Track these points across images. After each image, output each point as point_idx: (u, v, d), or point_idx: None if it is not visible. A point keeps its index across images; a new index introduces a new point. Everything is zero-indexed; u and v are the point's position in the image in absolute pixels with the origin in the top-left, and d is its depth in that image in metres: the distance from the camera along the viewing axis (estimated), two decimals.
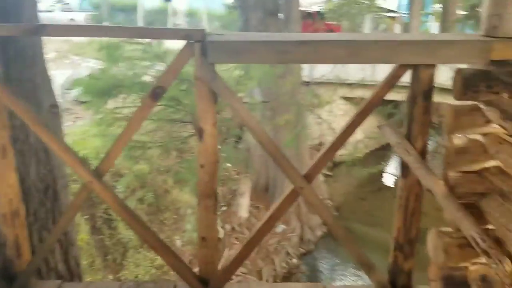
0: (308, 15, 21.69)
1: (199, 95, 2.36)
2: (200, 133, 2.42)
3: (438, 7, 27.24)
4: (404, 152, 2.45)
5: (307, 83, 14.75)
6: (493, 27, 2.24)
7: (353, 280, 11.06)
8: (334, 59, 2.25)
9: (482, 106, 2.30)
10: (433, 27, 28.71)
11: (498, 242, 2.19)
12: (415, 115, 2.43)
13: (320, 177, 14.60)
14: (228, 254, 10.67)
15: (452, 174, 2.38)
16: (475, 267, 2.51)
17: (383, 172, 17.11)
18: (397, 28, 26.39)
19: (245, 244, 2.69)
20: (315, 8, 24.06)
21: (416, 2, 24.45)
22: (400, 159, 2.57)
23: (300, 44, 2.22)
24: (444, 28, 23.03)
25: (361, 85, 14.06)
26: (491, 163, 2.35)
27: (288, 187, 2.57)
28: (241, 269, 11.01)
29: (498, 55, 2.22)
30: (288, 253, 12.76)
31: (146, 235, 2.65)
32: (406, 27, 27.20)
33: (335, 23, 21.97)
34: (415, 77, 2.38)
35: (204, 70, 2.29)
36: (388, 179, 16.95)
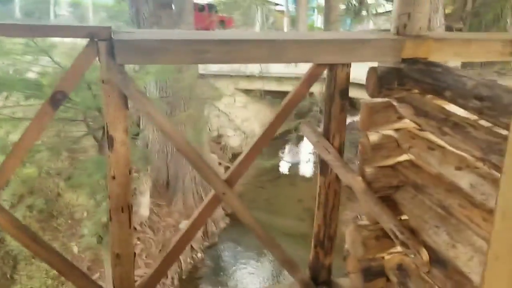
0: (200, 8, 21.43)
1: (107, 100, 2.12)
2: (110, 141, 2.18)
3: (322, 1, 28.63)
4: (323, 150, 2.46)
5: (204, 76, 14.60)
6: (403, 26, 2.32)
7: (254, 266, 11.24)
8: (255, 59, 2.16)
9: (394, 103, 2.37)
10: (319, 20, 30.16)
11: (413, 232, 2.29)
12: (333, 113, 2.45)
13: (221, 169, 14.62)
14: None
15: (368, 170, 2.44)
16: (391, 257, 2.61)
17: (281, 160, 17.62)
18: (286, 22, 27.22)
19: (164, 257, 2.51)
20: (206, 1, 23.89)
21: None
22: (318, 157, 2.58)
23: (220, 43, 2.09)
24: (327, 22, 24.27)
25: (260, 77, 14.25)
26: (403, 157, 2.45)
27: (210, 193, 2.44)
28: (145, 270, 10.63)
29: (408, 53, 2.31)
30: (192, 248, 12.60)
31: (36, 248, 2.32)
32: (294, 21, 28.21)
33: (227, 15, 22.03)
34: (331, 76, 2.39)
35: (112, 72, 2.06)
36: (285, 167, 17.48)
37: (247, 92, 15.98)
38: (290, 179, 16.21)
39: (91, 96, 6.63)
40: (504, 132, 1.73)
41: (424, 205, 2.28)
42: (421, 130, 2.28)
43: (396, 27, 2.37)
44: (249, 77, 15.12)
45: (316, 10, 31.33)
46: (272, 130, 2.42)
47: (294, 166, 17.33)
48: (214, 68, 15.12)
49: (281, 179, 16.33)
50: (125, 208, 2.31)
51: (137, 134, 12.30)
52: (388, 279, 2.60)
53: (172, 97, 10.99)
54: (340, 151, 2.50)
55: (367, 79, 2.35)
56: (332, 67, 2.36)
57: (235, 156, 16.36)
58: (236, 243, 12.97)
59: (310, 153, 17.26)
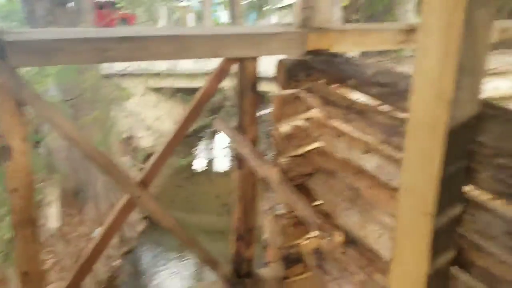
0: (101, 5, 20.47)
1: (0, 107, 1.94)
2: (7, 151, 2.01)
3: None
4: (238, 144, 2.47)
5: (109, 76, 14.01)
6: (307, 19, 2.39)
7: (176, 267, 11.10)
8: (161, 56, 2.09)
9: (303, 93, 2.45)
10: (223, 15, 30.25)
11: (327, 216, 2.39)
12: (245, 107, 2.47)
13: (134, 172, 14.17)
14: None
15: (282, 160, 2.49)
16: (307, 243, 2.70)
17: (196, 158, 17.50)
18: (191, 17, 26.96)
19: (78, 269, 2.37)
20: None
21: None
22: (234, 151, 2.59)
23: (123, 40, 2.01)
24: (232, 17, 24.46)
25: (170, 74, 13.97)
26: (314, 146, 2.54)
27: (124, 198, 2.35)
28: (59, 284, 10.04)
29: (312, 45, 2.39)
30: (109, 256, 12.10)
31: None
32: (199, 17, 28.00)
33: (129, 12, 21.30)
34: (241, 70, 2.40)
35: (4, 77, 1.89)
36: (201, 164, 17.40)
37: (157, 90, 15.61)
38: (207, 176, 16.17)
39: None
40: (403, 115, 1.86)
41: (335, 189, 2.39)
42: (329, 118, 2.38)
43: (299, 20, 2.44)
44: (158, 74, 14.78)
45: (220, 6, 31.41)
46: (185, 127, 2.39)
47: (210, 162, 17.31)
48: (120, 67, 14.56)
49: (198, 176, 16.23)
50: (30, 222, 2.15)
51: (39, 142, 11.53)
52: (306, 264, 2.70)
53: (75, 99, 10.42)
54: (255, 143, 2.53)
55: (276, 71, 2.40)
56: (241, 61, 2.37)
57: (148, 157, 15.96)
58: (156, 245, 12.69)
59: (225, 148, 17.33)
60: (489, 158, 1.41)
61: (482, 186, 1.45)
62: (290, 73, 2.33)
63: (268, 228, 2.68)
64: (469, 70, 1.34)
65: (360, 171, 2.21)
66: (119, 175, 2.25)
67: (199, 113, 2.39)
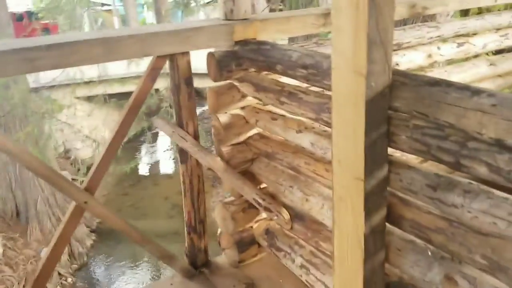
0: (19, 17, 19.52)
1: None
2: None
3: None
4: (180, 139, 2.54)
5: (37, 89, 13.47)
6: (230, 11, 2.49)
7: (131, 274, 10.96)
8: (91, 60, 2.10)
9: (236, 83, 2.56)
10: (149, 16, 29.72)
11: (272, 197, 2.52)
12: (182, 102, 2.53)
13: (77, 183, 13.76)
14: None
15: (224, 149, 2.59)
16: (258, 224, 2.83)
17: (139, 163, 17.21)
18: (116, 21, 26.30)
19: (33, 284, 2.35)
20: (22, 8, 21.81)
21: None
22: (177, 146, 2.65)
23: (52, 47, 2.01)
24: (159, 17, 24.12)
25: (100, 81, 13.61)
26: (253, 132, 2.66)
27: (71, 205, 2.35)
28: None
29: (239, 36, 2.49)
30: (60, 274, 11.72)
31: None
32: (124, 19, 27.34)
33: (50, 21, 20.44)
34: (173, 66, 2.46)
35: None
36: (145, 169, 17.14)
37: (89, 99, 15.16)
38: (152, 179, 15.98)
39: None
40: (329, 93, 2.01)
41: (277, 170, 2.52)
42: (263, 104, 2.50)
43: (224, 13, 2.53)
44: (88, 83, 14.35)
45: (145, 7, 30.83)
46: (123, 130, 2.42)
47: (154, 166, 17.10)
48: (47, 79, 14.03)
49: (143, 181, 16.00)
50: None
51: None
52: (259, 245, 2.82)
53: (4, 116, 9.97)
54: (196, 137, 2.61)
55: (207, 64, 2.48)
56: (172, 57, 2.44)
57: (89, 168, 15.48)
58: (108, 257, 12.44)
59: (167, 149, 17.17)
60: (405, 121, 1.58)
61: (402, 147, 1.62)
62: (221, 65, 2.43)
63: (218, 216, 2.78)
64: (379, 44, 1.50)
65: (297, 150, 2.36)
66: (63, 183, 2.25)
67: (135, 115, 2.43)
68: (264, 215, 2.79)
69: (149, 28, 2.40)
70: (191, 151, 2.54)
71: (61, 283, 11.66)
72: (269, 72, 2.41)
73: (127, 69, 13.09)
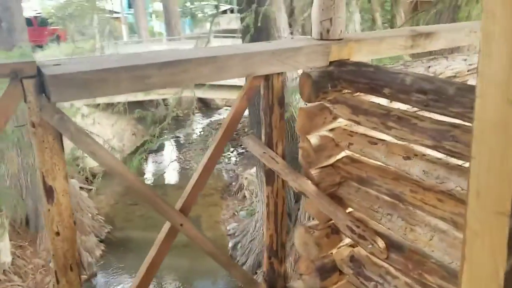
0: (28, 22, 19.52)
1: (40, 146, 1.81)
2: (49, 193, 1.87)
3: (158, 6, 28.39)
4: (270, 160, 2.46)
5: None
6: (327, 31, 2.42)
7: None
8: (199, 78, 2.03)
9: (327, 104, 2.48)
10: (157, 25, 29.80)
11: (362, 223, 2.43)
12: (274, 123, 2.45)
13: (82, 193, 13.59)
14: None
15: (313, 172, 2.51)
16: (339, 250, 2.74)
17: (146, 172, 17.07)
18: (124, 29, 26.33)
19: None
20: (30, 13, 21.81)
21: (139, 1, 24.86)
22: (263, 167, 2.56)
23: (163, 66, 1.93)
24: (168, 27, 24.19)
25: None
26: (341, 155, 2.58)
27: (165, 226, 2.26)
28: None
29: (334, 56, 2.42)
30: None
31: None
32: (132, 27, 27.37)
33: (60, 28, 20.45)
34: (268, 86, 2.39)
35: (46, 113, 1.76)
36: (153, 179, 16.98)
37: (94, 106, 15.01)
38: (161, 189, 15.78)
39: None
40: (451, 120, 1.93)
41: (370, 196, 2.43)
42: (359, 127, 2.42)
43: (319, 33, 2.46)
44: None
45: (153, 16, 30.94)
46: (218, 152, 2.33)
47: (162, 176, 16.95)
48: None
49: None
50: (74, 265, 2.01)
51: None
52: (341, 272, 2.72)
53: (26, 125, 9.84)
54: (284, 158, 2.53)
55: (301, 85, 2.41)
56: (267, 77, 2.37)
57: (94, 176, 15.31)
58: (116, 267, 12.27)
59: (174, 160, 17.04)
60: None
61: None
62: (318, 85, 2.36)
63: (300, 240, 2.68)
64: None
65: (399, 177, 2.28)
66: (161, 205, 2.16)
67: (231, 136, 2.35)
68: (346, 241, 2.70)
69: (250, 47, 2.33)
70: (281, 173, 2.45)
71: None
72: (372, 95, 2.33)
73: None
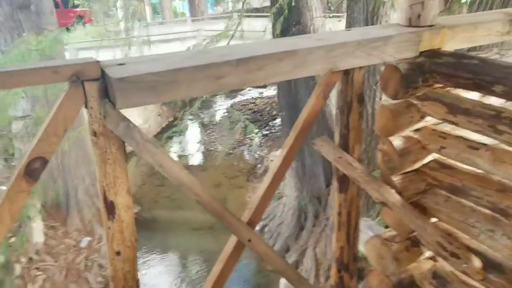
0: (55, 4, 19.35)
1: (102, 157, 1.55)
2: (110, 209, 1.62)
3: None
4: (347, 166, 2.15)
5: None
6: (417, 16, 2.08)
7: (162, 261, 10.70)
8: (277, 76, 1.73)
9: (415, 101, 2.16)
10: (180, 5, 29.32)
11: (451, 237, 2.13)
12: (351, 123, 2.14)
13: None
14: None
15: (396, 179, 2.21)
16: (418, 265, 2.45)
17: (172, 154, 16.97)
18: (148, 10, 26.00)
19: None
20: None
21: None
22: (336, 172, 2.26)
23: (240, 63, 1.64)
24: (192, 6, 23.73)
25: None
26: (428, 159, 2.26)
27: (231, 240, 2.00)
28: None
29: (425, 45, 2.08)
30: (101, 266, 11.61)
31: None
32: (155, 8, 27.00)
33: (84, 9, 20.25)
34: (347, 81, 2.07)
35: (110, 121, 1.50)
36: (179, 160, 16.87)
37: None
38: (188, 170, 15.68)
39: None
40: None
41: (465, 207, 2.12)
42: (457, 128, 2.08)
43: (407, 18, 2.12)
44: None
45: None
46: (291, 155, 2.04)
47: (187, 158, 16.82)
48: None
49: None
50: (134, 287, 1.78)
51: (13, 154, 10.86)
52: None
53: (48, 104, 9.78)
54: (361, 162, 2.23)
55: (385, 79, 2.09)
56: (347, 71, 2.05)
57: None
58: (146, 248, 12.29)
59: (198, 142, 16.86)
60: None
61: None
62: (407, 80, 2.03)
63: (374, 253, 2.40)
64: None
65: (507, 189, 1.95)
66: (230, 219, 1.90)
67: (304, 138, 2.06)
68: (427, 253, 2.41)
69: (330, 37, 2.00)
70: (360, 181, 2.15)
71: (101, 274, 11.55)
72: (467, 91, 2.00)
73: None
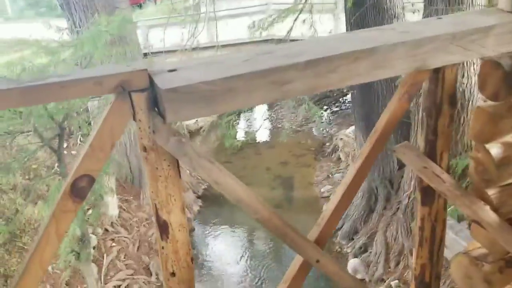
0: None
1: (153, 174, 1.40)
2: (163, 229, 1.48)
3: None
4: (434, 177, 1.86)
5: (145, 55, 13.50)
6: None
7: (231, 235, 10.78)
8: (351, 79, 1.48)
9: None
10: None
11: None
12: (440, 128, 1.83)
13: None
14: (108, 262, 9.64)
15: (491, 193, 1.88)
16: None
17: (238, 131, 16.99)
18: None
19: None
20: None
21: None
22: (419, 183, 1.97)
23: (307, 66, 1.40)
24: None
25: (211, 47, 13.29)
26: None
27: (296, 259, 1.81)
28: (127, 271, 10.01)
29: None
30: None
31: None
32: None
33: None
34: (437, 80, 1.76)
35: (161, 136, 1.33)
36: (246, 137, 16.87)
37: None
38: (254, 148, 15.62)
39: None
40: None
41: None
42: None
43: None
44: (195, 49, 14.06)
45: None
46: (367, 165, 1.78)
47: (254, 135, 16.75)
48: (157, 44, 14.02)
49: (245, 149, 15.73)
50: None
51: (88, 134, 11.31)
52: None
53: None
54: (449, 172, 1.92)
55: (484, 77, 1.75)
56: (437, 69, 1.73)
57: (190, 133, 15.41)
58: (212, 222, 12.51)
59: (266, 118, 16.71)
60: None
61: None
62: (511, 78, 1.68)
63: (461, 273, 2.10)
64: None
65: None
66: (296, 239, 1.70)
67: (385, 143, 1.79)
68: None
69: (415, 30, 1.69)
70: (448, 195, 1.85)
71: None
72: None
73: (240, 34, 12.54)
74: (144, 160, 1.40)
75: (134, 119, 1.34)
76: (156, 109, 1.32)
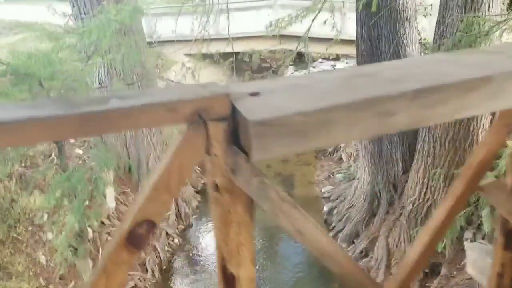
0: None
1: (225, 218, 1.15)
2: (228, 282, 1.23)
3: None
4: None
5: (149, 44, 13.23)
6: None
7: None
8: (461, 111, 1.23)
9: None
10: None
11: None
12: None
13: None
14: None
15: None
16: None
17: None
18: None
19: None
20: None
21: None
22: (502, 225, 1.74)
23: (416, 95, 1.14)
24: None
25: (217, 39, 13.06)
26: None
27: None
28: None
29: None
30: (168, 234, 11.76)
31: None
32: None
33: None
34: None
35: (241, 176, 1.08)
36: None
37: (202, 57, 14.64)
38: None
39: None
40: None
41: None
42: None
43: None
44: (196, 40, 13.78)
45: None
46: (459, 205, 1.53)
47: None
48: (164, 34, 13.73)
49: None
50: None
51: None
52: None
53: (124, 75, 9.74)
54: None
55: None
56: None
57: None
58: (211, 219, 12.29)
59: None
60: None
61: None
62: None
63: None
64: None
65: None
66: (366, 282, 1.45)
67: (478, 182, 1.54)
68: None
69: None
70: None
71: (169, 243, 11.72)
72: None
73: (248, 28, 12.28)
74: (214, 200, 1.14)
75: (208, 153, 1.08)
76: (236, 142, 1.06)
